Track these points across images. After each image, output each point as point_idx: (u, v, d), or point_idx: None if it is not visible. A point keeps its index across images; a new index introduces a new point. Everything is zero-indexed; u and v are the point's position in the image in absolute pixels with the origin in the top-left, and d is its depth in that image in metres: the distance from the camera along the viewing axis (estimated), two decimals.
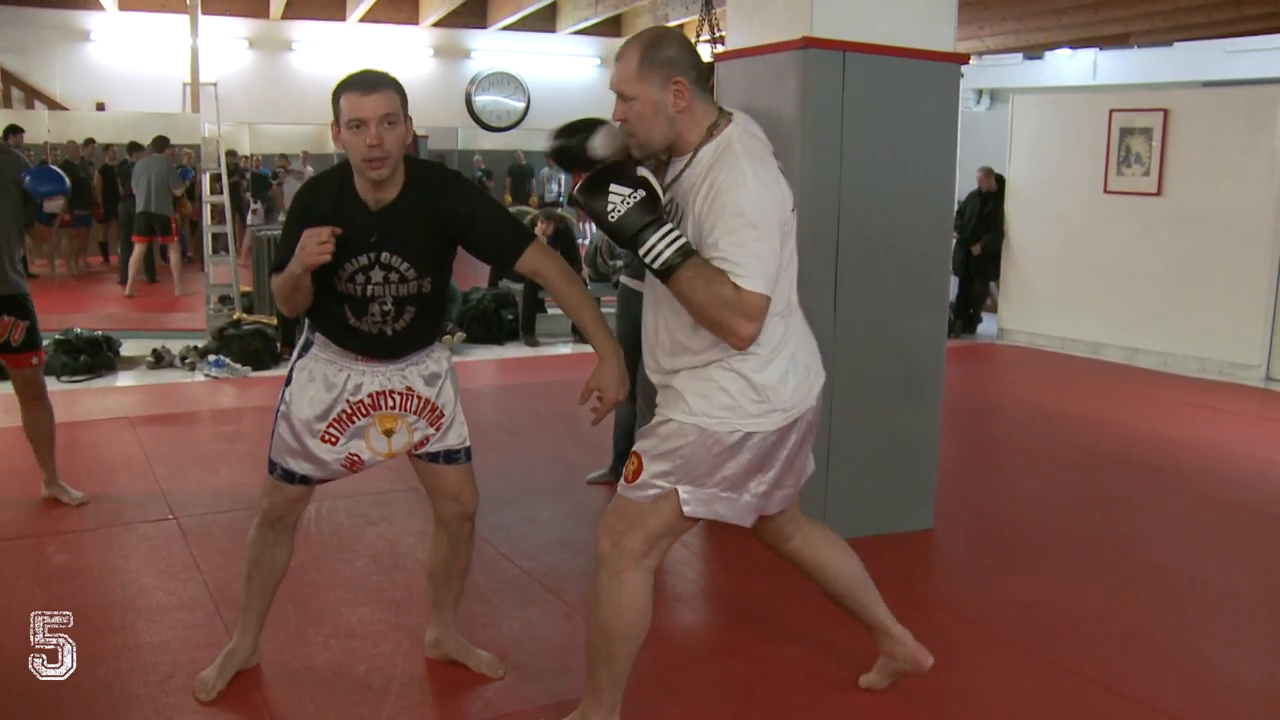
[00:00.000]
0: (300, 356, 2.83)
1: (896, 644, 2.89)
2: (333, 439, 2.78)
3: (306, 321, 2.83)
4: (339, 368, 2.78)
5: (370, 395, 2.78)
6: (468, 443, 2.94)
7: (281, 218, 9.68)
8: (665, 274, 2.33)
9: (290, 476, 2.83)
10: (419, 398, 2.82)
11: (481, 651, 3.13)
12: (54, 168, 4.39)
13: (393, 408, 2.80)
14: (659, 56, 2.37)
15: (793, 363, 2.50)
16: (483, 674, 3.07)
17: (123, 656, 3.16)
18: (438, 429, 2.87)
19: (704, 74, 2.44)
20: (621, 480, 2.56)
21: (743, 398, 2.43)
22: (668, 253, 2.30)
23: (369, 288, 2.66)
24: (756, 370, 2.43)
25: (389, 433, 2.82)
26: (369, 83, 2.54)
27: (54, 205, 4.26)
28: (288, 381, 2.83)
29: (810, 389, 2.55)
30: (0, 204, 4.14)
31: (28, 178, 4.19)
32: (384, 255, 2.63)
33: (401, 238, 2.63)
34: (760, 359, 2.44)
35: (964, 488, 4.97)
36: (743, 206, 2.30)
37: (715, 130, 2.43)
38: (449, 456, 2.91)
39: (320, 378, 2.77)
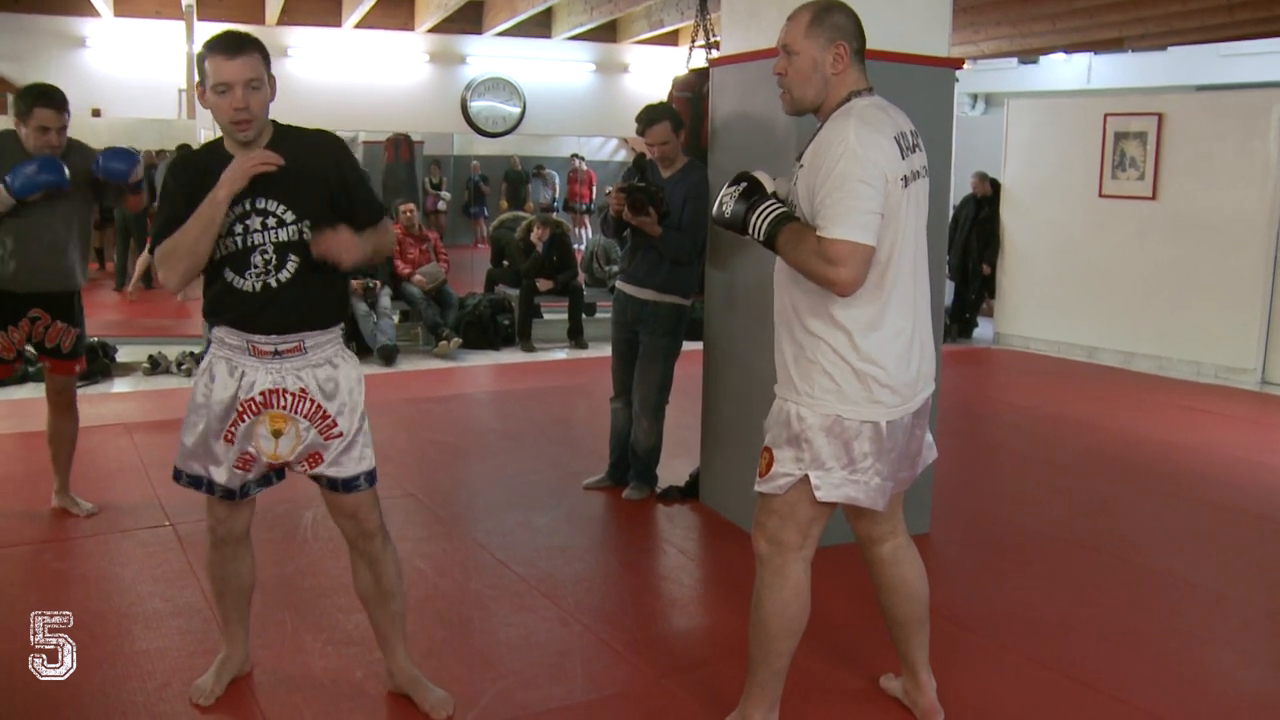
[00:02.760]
0: (201, 359, 2.80)
1: (918, 692, 2.91)
2: (230, 437, 2.74)
3: (206, 324, 2.82)
4: (234, 365, 2.72)
5: (262, 393, 2.70)
6: (370, 466, 2.82)
7: None
8: (770, 246, 2.49)
9: (197, 483, 2.80)
10: (312, 402, 2.73)
11: (435, 689, 2.96)
12: (122, 147, 4.27)
13: (284, 408, 2.72)
14: (829, 20, 2.50)
15: (909, 349, 2.51)
16: (427, 714, 2.90)
17: (119, 663, 3.16)
18: (327, 440, 2.75)
19: (863, 48, 2.54)
20: (756, 477, 2.59)
21: (847, 384, 2.45)
22: (764, 225, 2.48)
23: (248, 237, 2.65)
24: (861, 359, 2.45)
25: (277, 433, 2.73)
26: (233, 47, 2.55)
27: (134, 177, 4.23)
28: (196, 385, 2.79)
29: (916, 383, 2.55)
30: (69, 197, 4.09)
31: (100, 161, 4.12)
32: (259, 201, 2.64)
33: (274, 181, 2.62)
34: (862, 346, 2.45)
35: (960, 492, 4.98)
36: (834, 162, 2.38)
37: (851, 99, 2.50)
38: (348, 485, 2.80)
39: (221, 375, 2.73)
